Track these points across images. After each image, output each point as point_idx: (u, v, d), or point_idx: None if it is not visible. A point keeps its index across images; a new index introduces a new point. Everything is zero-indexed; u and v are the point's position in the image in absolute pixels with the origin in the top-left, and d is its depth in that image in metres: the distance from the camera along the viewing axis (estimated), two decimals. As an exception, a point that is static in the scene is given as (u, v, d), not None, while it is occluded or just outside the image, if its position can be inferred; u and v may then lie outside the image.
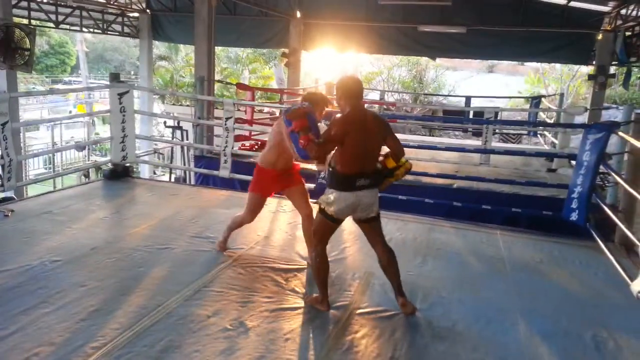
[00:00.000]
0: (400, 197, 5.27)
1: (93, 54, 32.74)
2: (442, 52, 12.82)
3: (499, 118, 11.47)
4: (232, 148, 5.77)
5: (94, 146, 16.34)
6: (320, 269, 2.98)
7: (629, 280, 3.47)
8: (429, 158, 6.73)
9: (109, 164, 5.88)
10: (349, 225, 4.59)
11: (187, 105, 14.87)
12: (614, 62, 10.78)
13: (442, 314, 3.01)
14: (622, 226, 3.90)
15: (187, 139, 10.47)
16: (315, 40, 12.42)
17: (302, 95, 3.33)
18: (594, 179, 4.38)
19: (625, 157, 4.80)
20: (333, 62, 18.72)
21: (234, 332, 2.67)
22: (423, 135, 14.84)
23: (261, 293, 3.13)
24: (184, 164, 10.51)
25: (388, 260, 3.00)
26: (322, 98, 3.40)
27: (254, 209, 3.60)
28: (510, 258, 4.02)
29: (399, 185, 5.94)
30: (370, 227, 2.99)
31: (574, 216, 4.43)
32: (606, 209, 4.18)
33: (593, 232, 4.24)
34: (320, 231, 2.97)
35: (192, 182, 8.93)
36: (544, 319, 3.04)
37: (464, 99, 12.69)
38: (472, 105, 12.20)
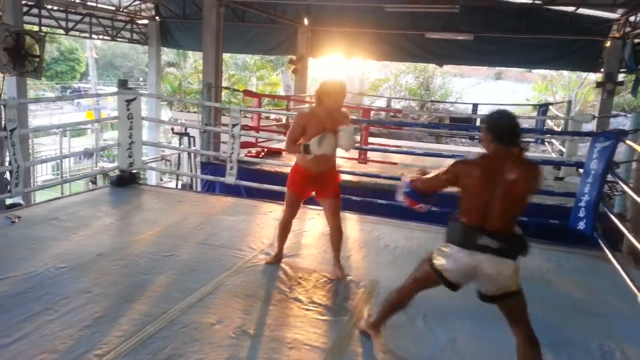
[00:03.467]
0: (404, 204, 5.25)
1: (102, 61, 33.06)
2: (449, 59, 12.80)
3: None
4: (238, 155, 5.78)
5: (101, 153, 16.46)
6: (393, 309, 2.62)
7: (636, 291, 3.42)
8: (437, 165, 6.71)
9: (116, 171, 5.92)
10: (353, 232, 4.61)
11: (195, 112, 14.95)
12: (622, 70, 10.72)
13: (446, 324, 2.98)
14: (630, 236, 3.86)
15: (194, 146, 10.52)
16: (322, 47, 12.46)
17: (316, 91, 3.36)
18: (602, 187, 4.34)
19: (634, 165, 4.76)
20: (340, 69, 18.76)
21: (237, 340, 2.67)
22: (430, 142, 14.80)
23: (265, 301, 3.13)
24: (191, 171, 10.55)
25: (525, 353, 2.33)
26: (333, 88, 3.30)
27: (288, 205, 3.58)
28: (517, 267, 3.99)
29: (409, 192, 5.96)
30: (506, 306, 2.35)
31: (581, 225, 4.39)
32: (614, 218, 4.14)
33: (600, 242, 4.20)
34: (421, 277, 2.50)
35: (199, 189, 8.97)
36: (550, 328, 3.00)
37: (471, 106, 12.68)
38: (479, 113, 12.18)
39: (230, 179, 5.75)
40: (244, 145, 7.33)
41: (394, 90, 21.85)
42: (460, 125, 12.02)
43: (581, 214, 4.40)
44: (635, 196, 3.90)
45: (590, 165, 4.39)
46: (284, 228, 3.68)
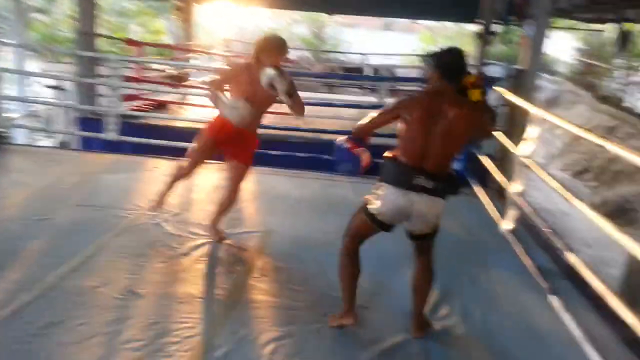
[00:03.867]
0: (299, 154, 5.31)
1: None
2: (338, 9, 12.81)
3: (396, 75, 11.92)
4: (120, 109, 5.39)
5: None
6: (345, 273, 2.44)
7: (499, 221, 3.85)
8: (331, 115, 6.82)
9: (-26, 130, 5.25)
10: (247, 184, 4.58)
11: (70, 63, 13.55)
12: (496, 21, 11.49)
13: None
14: (495, 172, 4.27)
15: (69, 100, 9.60)
16: (208, -8, 11.80)
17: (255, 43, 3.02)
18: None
19: (502, 109, 5.21)
20: (231, 17, 17.97)
21: (125, 301, 2.57)
22: (323, 92, 14.94)
23: (154, 259, 3.03)
24: (67, 128, 9.66)
25: (422, 281, 2.46)
26: (276, 46, 3.03)
27: (199, 150, 3.22)
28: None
29: (298, 143, 6.01)
30: (424, 242, 2.42)
31: (456, 165, 4.77)
32: (482, 157, 4.55)
33: (470, 179, 4.61)
34: (355, 227, 2.44)
35: (77, 146, 8.27)
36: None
37: (362, 56, 12.92)
38: (369, 63, 12.48)
39: (111, 134, 5.37)
40: (127, 98, 6.82)
41: (288, 40, 21.54)
42: (352, 75, 12.25)
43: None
44: (501, 138, 4.28)
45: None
46: (178, 175, 3.35)
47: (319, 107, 6.97)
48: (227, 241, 3.33)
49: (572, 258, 2.72)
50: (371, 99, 10.50)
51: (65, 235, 3.25)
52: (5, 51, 10.71)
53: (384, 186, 2.26)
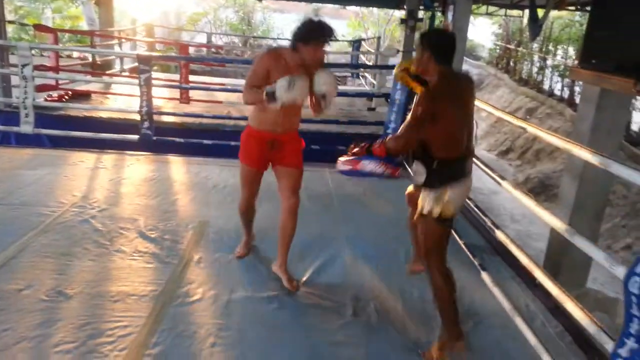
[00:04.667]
0: (232, 143, 5.20)
1: None
2: (267, -6, 12.63)
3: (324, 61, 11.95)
4: (34, 100, 5.02)
5: None
6: (446, 295, 2.22)
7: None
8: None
9: None
10: (179, 175, 4.45)
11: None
12: (421, 7, 11.80)
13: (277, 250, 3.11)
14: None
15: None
16: (128, -25, 11.19)
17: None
18: (405, 115, 4.84)
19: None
20: (152, 1, 17.21)
21: (52, 302, 2.42)
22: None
23: (82, 258, 2.87)
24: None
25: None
26: (315, 35, 2.49)
27: (245, 183, 2.84)
28: (338, 193, 4.30)
29: (226, 131, 5.89)
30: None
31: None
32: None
33: (405, 164, 4.73)
34: (436, 243, 2.24)
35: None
36: (367, 243, 3.36)
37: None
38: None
39: (26, 127, 4.99)
40: (42, 88, 6.37)
41: (214, 26, 20.98)
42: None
43: (389, 140, 4.87)
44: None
45: (395, 96, 4.84)
46: (246, 213, 2.97)
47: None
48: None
49: (500, 234, 2.87)
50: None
51: (-20, 238, 3.00)
52: None
53: (448, 189, 2.15)
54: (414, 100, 2.23)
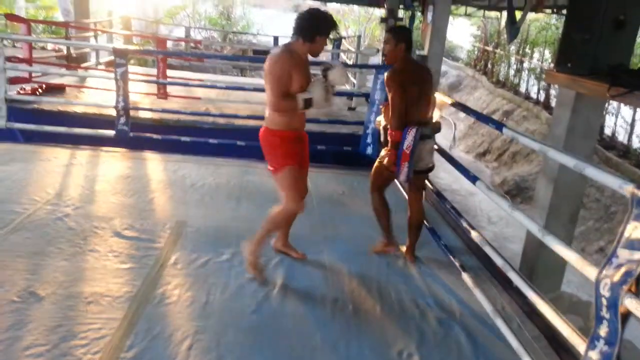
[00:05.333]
0: (211, 140, 5.15)
1: None
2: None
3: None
4: (7, 93, 4.88)
5: None
6: (382, 214, 3.20)
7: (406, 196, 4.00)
8: (242, 99, 6.68)
9: None
10: (156, 173, 4.38)
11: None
12: (401, 6, 11.86)
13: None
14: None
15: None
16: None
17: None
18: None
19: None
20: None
21: (24, 303, 2.36)
22: (235, 75, 14.60)
23: (56, 257, 2.80)
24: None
25: (414, 202, 3.23)
26: (330, 26, 2.57)
27: (294, 184, 2.69)
28: (317, 193, 4.29)
29: (211, 129, 5.83)
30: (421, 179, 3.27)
31: (369, 150, 4.89)
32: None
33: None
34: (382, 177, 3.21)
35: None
36: (345, 244, 3.36)
37: (272, 38, 12.76)
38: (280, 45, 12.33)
39: (-2, 121, 4.85)
40: (15, 80, 6.18)
41: (193, 20, 20.72)
42: (263, 57, 12.04)
43: (369, 140, 4.90)
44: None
45: (375, 96, 4.85)
46: (292, 217, 2.90)
47: (227, 90, 6.82)
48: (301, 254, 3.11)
49: (477, 235, 2.90)
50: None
51: (-53, 236, 2.90)
52: None
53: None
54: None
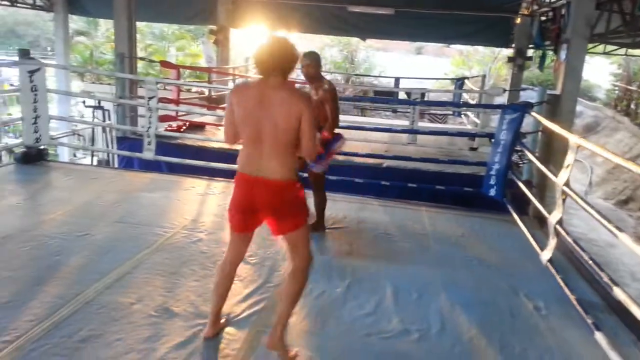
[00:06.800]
0: (330, 177, 5.31)
1: (3, 29, 30.02)
2: (371, 33, 12.93)
3: (426, 99, 11.92)
4: (156, 129, 5.54)
5: (5, 128, 15.11)
6: (321, 204, 3.98)
7: (539, 250, 3.72)
8: (361, 138, 6.83)
9: (22, 147, 5.46)
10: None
11: (109, 84, 14.06)
12: (530, 46, 11.38)
13: (370, 289, 3.08)
14: (535, 200, 4.16)
15: (109, 120, 9.95)
16: (245, 17, 12.07)
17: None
18: (510, 156, 4.63)
19: (539, 135, 5.11)
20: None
21: (159, 318, 2.60)
22: (355, 115, 15.00)
23: (188, 278, 3.06)
24: (107, 146, 9.99)
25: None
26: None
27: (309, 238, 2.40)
28: (435, 233, 4.19)
29: (330, 165, 6.01)
30: None
31: (492, 192, 4.67)
32: (521, 184, 4.44)
33: (509, 207, 4.50)
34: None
35: (116, 165, 8.52)
36: (464, 290, 3.20)
37: (393, 79, 12.96)
38: (401, 86, 12.50)
39: (148, 154, 5.51)
40: (164, 118, 7.02)
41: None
42: (384, 98, 12.28)
43: (492, 182, 4.69)
44: (539, 165, 4.19)
45: (500, 136, 4.66)
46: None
47: (348, 130, 6.99)
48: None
49: (619, 292, 2.59)
50: (403, 122, 10.49)
51: (103, 252, 3.32)
52: (52, 73, 11.15)
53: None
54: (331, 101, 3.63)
